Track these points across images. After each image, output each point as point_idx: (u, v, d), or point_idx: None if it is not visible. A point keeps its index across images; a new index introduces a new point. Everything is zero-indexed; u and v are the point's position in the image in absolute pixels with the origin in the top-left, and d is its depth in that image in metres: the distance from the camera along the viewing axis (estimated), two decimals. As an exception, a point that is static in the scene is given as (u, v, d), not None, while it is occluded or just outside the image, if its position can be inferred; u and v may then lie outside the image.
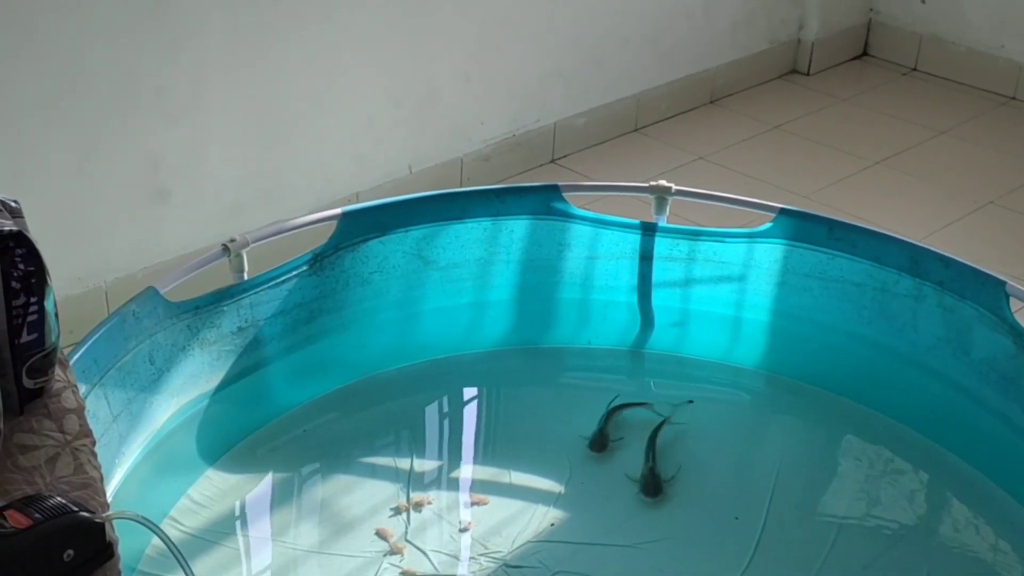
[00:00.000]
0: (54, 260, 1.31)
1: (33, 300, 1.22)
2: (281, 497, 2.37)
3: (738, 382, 2.69)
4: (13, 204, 1.29)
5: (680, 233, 2.64)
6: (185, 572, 1.21)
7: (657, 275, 2.66)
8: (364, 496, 2.34)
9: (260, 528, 2.28)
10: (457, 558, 2.20)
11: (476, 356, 2.71)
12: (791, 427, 2.67)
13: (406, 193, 2.71)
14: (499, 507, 2.32)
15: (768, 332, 2.67)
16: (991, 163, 3.76)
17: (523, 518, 2.28)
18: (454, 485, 2.41)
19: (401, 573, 2.15)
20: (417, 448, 2.49)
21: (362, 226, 2.52)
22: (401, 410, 2.60)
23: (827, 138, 3.89)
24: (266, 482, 2.38)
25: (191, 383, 2.32)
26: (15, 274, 1.21)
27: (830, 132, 3.93)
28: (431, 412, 2.64)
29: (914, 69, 4.38)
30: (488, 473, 2.45)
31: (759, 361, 2.69)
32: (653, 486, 2.33)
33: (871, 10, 4.43)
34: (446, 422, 2.62)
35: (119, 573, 1.11)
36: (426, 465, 2.44)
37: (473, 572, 2.17)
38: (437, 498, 2.34)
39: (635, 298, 2.69)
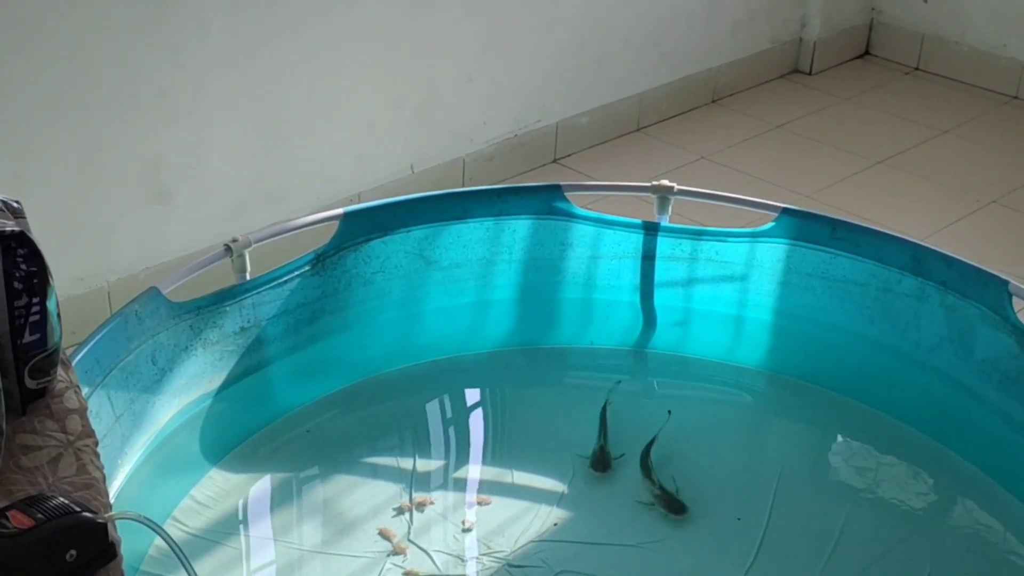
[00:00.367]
0: (56, 260, 1.31)
1: (35, 300, 1.22)
2: (283, 497, 2.37)
3: (740, 382, 2.69)
4: (15, 204, 1.29)
5: (682, 233, 2.64)
6: (188, 572, 1.20)
7: (660, 275, 2.66)
8: (367, 496, 2.34)
9: (263, 528, 2.28)
10: (460, 558, 2.20)
11: (479, 356, 2.71)
12: (794, 427, 2.67)
13: (408, 193, 2.72)
14: (502, 507, 2.32)
15: (771, 332, 2.67)
16: (994, 162, 3.76)
17: (526, 518, 2.28)
18: (457, 485, 2.41)
19: (404, 573, 2.15)
20: (420, 448, 2.49)
21: (364, 226, 2.52)
22: (404, 410, 2.60)
23: (829, 138, 3.89)
24: (268, 482, 2.38)
25: (193, 383, 2.32)
26: (17, 274, 1.21)
27: (832, 132, 3.93)
28: (434, 412, 2.64)
29: (916, 68, 4.37)
30: (491, 473, 2.45)
31: (761, 361, 2.69)
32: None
33: (873, 9, 4.43)
34: (449, 422, 2.62)
35: (122, 573, 1.11)
36: (429, 465, 2.44)
37: (476, 572, 2.17)
38: (440, 498, 2.34)
39: (638, 298, 2.69)
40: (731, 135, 3.88)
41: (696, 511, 2.31)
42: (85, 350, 2.04)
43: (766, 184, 3.54)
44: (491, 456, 2.52)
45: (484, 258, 2.65)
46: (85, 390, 1.91)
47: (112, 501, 1.27)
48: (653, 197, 2.65)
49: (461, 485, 2.42)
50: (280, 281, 2.44)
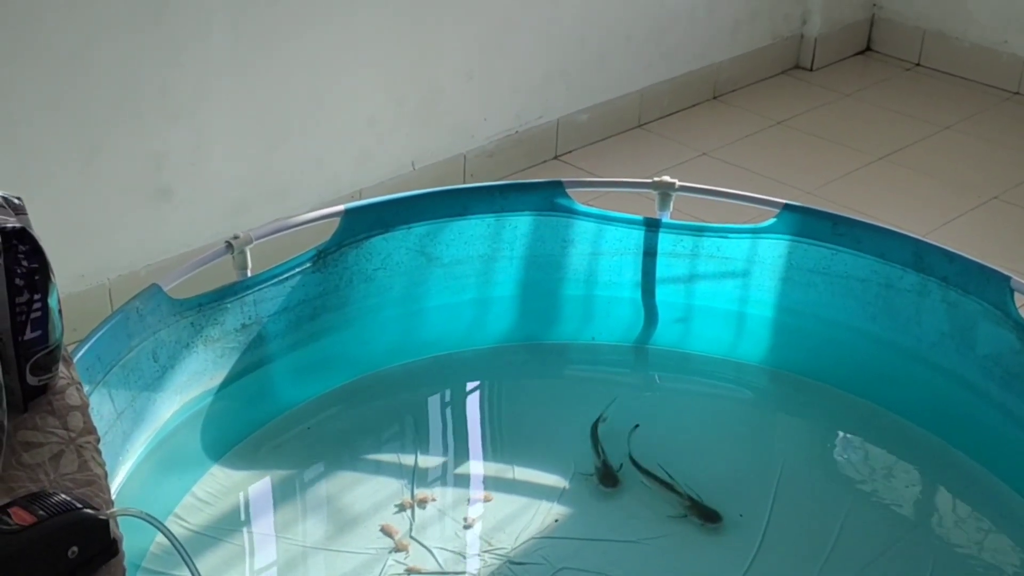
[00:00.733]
0: (58, 257, 1.31)
1: (37, 297, 1.22)
2: (285, 494, 2.37)
3: (742, 378, 2.69)
4: (17, 201, 1.29)
5: (684, 229, 2.64)
6: (190, 569, 1.20)
7: (661, 271, 2.66)
8: (368, 493, 2.34)
9: (264, 525, 2.28)
10: (462, 555, 2.20)
11: (480, 352, 2.71)
12: (795, 423, 2.67)
13: (409, 190, 2.72)
14: (503, 504, 2.32)
15: (772, 328, 2.67)
16: (995, 158, 3.76)
17: (527, 514, 2.28)
18: (458, 482, 2.41)
19: (406, 570, 2.15)
20: (421, 445, 2.49)
21: (365, 223, 2.52)
22: (405, 407, 2.60)
23: (831, 134, 3.88)
24: (270, 479, 2.38)
25: (195, 380, 2.32)
26: (19, 271, 1.21)
27: (833, 128, 3.93)
28: (435, 409, 2.64)
29: (917, 64, 4.37)
30: (492, 469, 2.45)
31: (763, 357, 2.68)
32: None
33: (874, 5, 4.43)
34: (450, 419, 2.62)
35: (124, 570, 1.11)
36: (430, 462, 2.44)
37: (477, 569, 2.17)
38: (441, 495, 2.34)
39: (639, 294, 2.69)
40: (732, 131, 3.87)
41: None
42: (86, 347, 2.04)
43: (767, 180, 3.54)
44: (492, 453, 2.52)
45: (485, 254, 2.65)
46: (86, 387, 1.91)
47: (114, 498, 1.27)
48: (654, 193, 2.64)
49: (463, 481, 2.42)
50: (281, 278, 2.43)
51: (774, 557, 2.20)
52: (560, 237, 2.66)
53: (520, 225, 2.64)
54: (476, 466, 2.47)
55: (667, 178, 2.64)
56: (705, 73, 4.02)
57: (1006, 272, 2.35)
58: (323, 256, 2.49)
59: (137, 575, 2.03)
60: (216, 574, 2.14)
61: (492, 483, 2.40)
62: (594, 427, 2.44)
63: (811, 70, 4.31)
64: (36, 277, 1.22)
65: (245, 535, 2.26)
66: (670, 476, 2.33)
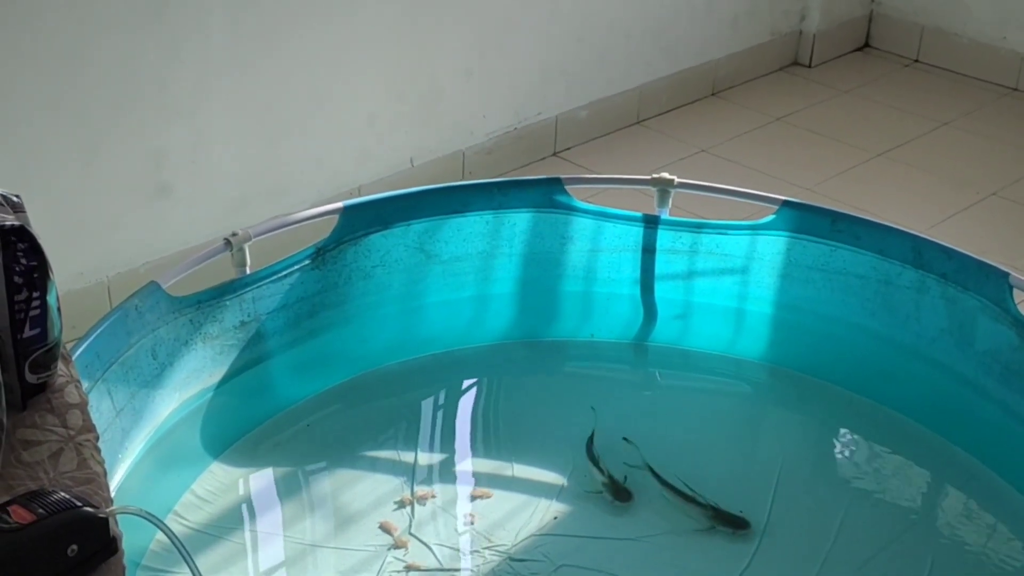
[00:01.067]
0: (57, 255, 1.31)
1: (36, 295, 1.22)
2: (285, 491, 2.37)
3: (741, 374, 2.69)
4: (15, 199, 1.29)
5: (683, 226, 2.64)
6: (189, 567, 1.20)
7: (660, 268, 2.66)
8: (368, 490, 2.34)
9: (264, 522, 2.28)
10: (461, 552, 2.20)
11: (479, 349, 2.71)
12: (794, 419, 2.67)
13: (408, 187, 2.71)
14: (502, 500, 2.32)
15: (771, 324, 2.67)
16: (994, 154, 3.76)
17: (526, 511, 2.28)
18: (458, 479, 2.41)
19: (405, 567, 2.15)
20: (420, 442, 2.49)
21: (364, 220, 2.52)
22: (404, 404, 2.60)
23: (829, 130, 3.88)
24: (269, 476, 2.38)
25: (194, 378, 2.32)
26: (17, 269, 1.21)
27: (832, 124, 3.92)
28: (434, 406, 2.64)
29: (916, 61, 4.37)
30: (491, 467, 2.45)
31: (762, 353, 2.69)
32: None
33: (873, 1, 4.43)
34: (449, 416, 2.62)
35: (123, 568, 1.11)
36: (430, 459, 2.44)
37: (477, 566, 2.17)
38: (441, 492, 2.34)
39: (638, 291, 2.69)
40: (731, 128, 3.87)
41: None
42: (85, 345, 2.04)
43: (766, 177, 3.54)
44: (491, 449, 2.52)
45: (484, 251, 2.65)
46: (85, 385, 1.91)
47: (113, 496, 1.27)
48: (653, 190, 2.64)
49: (462, 478, 2.42)
50: (280, 275, 2.43)
51: (774, 553, 2.20)
52: (559, 234, 2.65)
53: (519, 222, 2.64)
54: (475, 463, 2.47)
55: (666, 175, 2.64)
56: (704, 70, 4.02)
57: (1005, 268, 2.35)
58: (322, 253, 2.49)
59: (137, 573, 2.03)
60: (216, 571, 2.14)
61: (491, 480, 2.40)
62: (589, 446, 2.41)
63: (810, 66, 4.31)
64: (35, 275, 1.22)
65: (244, 532, 2.25)
66: (689, 487, 2.30)
